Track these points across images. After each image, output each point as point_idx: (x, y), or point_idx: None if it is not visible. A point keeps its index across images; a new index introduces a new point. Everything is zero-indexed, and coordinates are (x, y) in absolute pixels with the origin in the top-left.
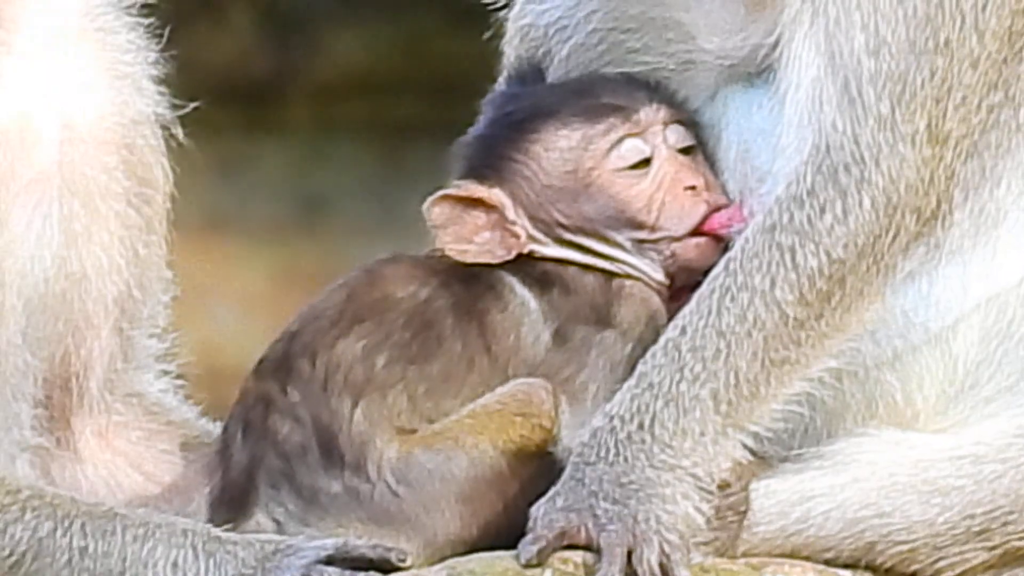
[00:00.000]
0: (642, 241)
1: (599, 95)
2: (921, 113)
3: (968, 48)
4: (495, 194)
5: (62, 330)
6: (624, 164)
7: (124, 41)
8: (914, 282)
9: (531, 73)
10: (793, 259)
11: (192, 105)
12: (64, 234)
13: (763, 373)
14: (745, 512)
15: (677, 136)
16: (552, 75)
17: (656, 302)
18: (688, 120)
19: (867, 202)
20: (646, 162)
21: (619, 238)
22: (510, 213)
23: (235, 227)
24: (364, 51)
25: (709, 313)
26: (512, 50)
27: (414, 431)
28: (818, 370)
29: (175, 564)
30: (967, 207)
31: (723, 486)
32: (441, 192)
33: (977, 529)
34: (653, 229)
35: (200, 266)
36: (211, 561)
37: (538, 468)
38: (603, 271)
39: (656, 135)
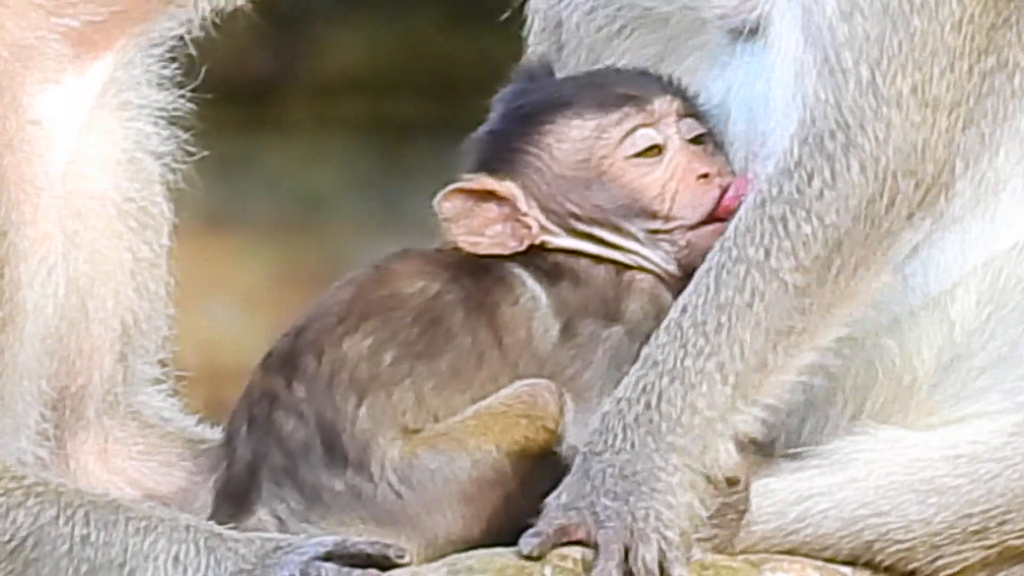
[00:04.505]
0: (655, 231)
1: (612, 86)
2: (903, 76)
3: (948, 9)
4: (507, 186)
5: (67, 359)
6: (636, 151)
7: (145, 112)
8: (915, 248)
9: (540, 69)
10: (785, 228)
11: (193, 122)
12: (68, 286)
13: (768, 343)
14: (745, 511)
15: (689, 127)
16: (565, 47)
17: (666, 298)
18: (699, 115)
19: (855, 166)
20: (659, 152)
21: (632, 228)
22: (522, 205)
23: (235, 226)
24: (363, 50)
25: (707, 290)
26: (535, 24)
27: (419, 430)
28: (828, 340)
29: (176, 558)
30: (967, 176)
31: (733, 482)
32: (453, 185)
33: (974, 528)
34: (667, 218)
35: (200, 265)
36: (212, 557)
37: (542, 468)
38: (615, 263)
39: (669, 126)
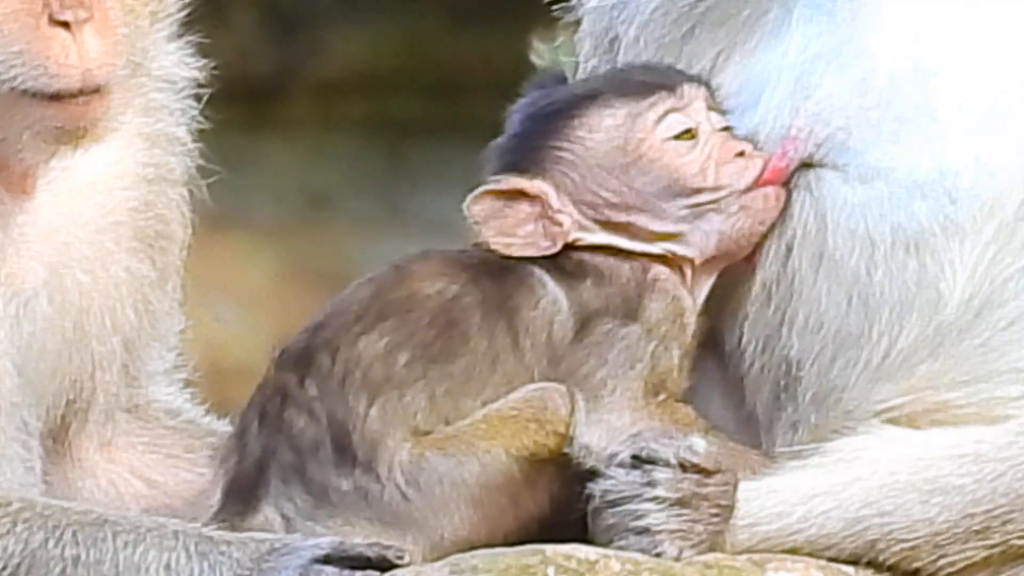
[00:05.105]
0: (700, 204)
1: (637, 76)
2: None
3: None
4: (537, 184)
5: (69, 377)
6: (672, 134)
7: (159, 141)
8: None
9: (553, 79)
10: None
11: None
12: (59, 310)
13: None
14: (728, 507)
15: (716, 119)
16: (623, 54)
17: (687, 302)
18: (722, 111)
19: None
20: (693, 135)
21: (673, 208)
22: (554, 202)
23: (238, 225)
24: (366, 49)
25: None
26: (586, 36)
27: (429, 432)
28: None
29: (168, 567)
30: None
31: (703, 471)
32: (482, 188)
33: (977, 528)
34: (714, 189)
35: (203, 264)
36: (205, 563)
37: (552, 471)
38: (645, 256)
39: (699, 111)
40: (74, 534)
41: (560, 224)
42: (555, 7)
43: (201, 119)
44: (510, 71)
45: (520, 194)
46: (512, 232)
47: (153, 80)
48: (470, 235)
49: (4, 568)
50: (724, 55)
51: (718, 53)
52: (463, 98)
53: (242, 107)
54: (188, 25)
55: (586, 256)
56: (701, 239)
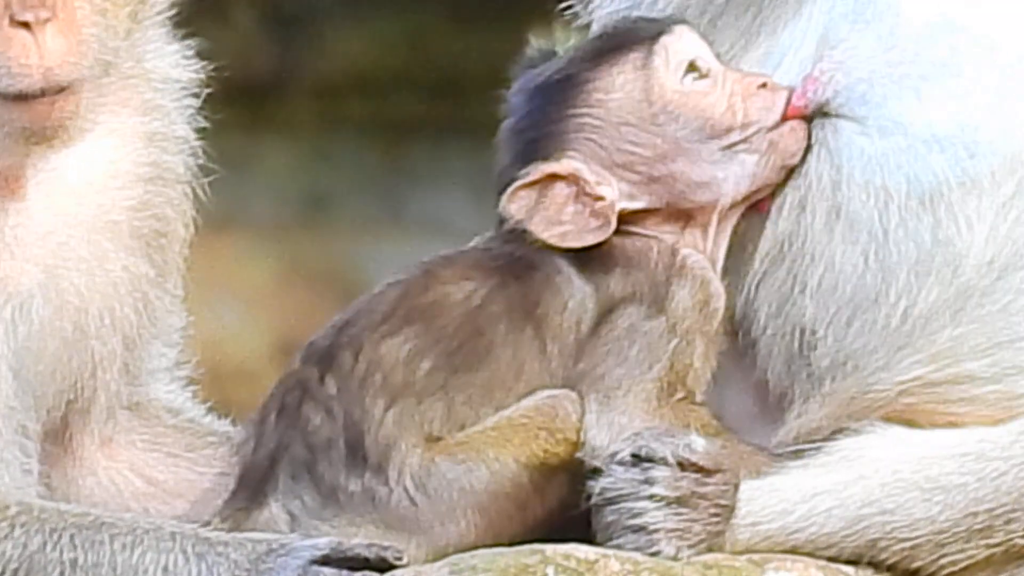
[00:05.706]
0: (732, 145)
1: (627, 30)
2: None
3: None
4: (566, 163)
5: (69, 378)
6: (683, 72)
7: (172, 137)
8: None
9: (542, 56)
10: None
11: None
12: (56, 311)
13: None
14: (728, 508)
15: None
16: None
17: (716, 287)
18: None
19: None
20: (703, 71)
21: (707, 152)
22: (588, 175)
23: (238, 225)
24: (367, 49)
25: None
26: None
27: (442, 438)
28: None
29: (166, 569)
30: None
31: (702, 470)
32: (513, 185)
33: (979, 527)
34: (744, 127)
35: (203, 264)
36: (203, 564)
37: (561, 478)
38: (683, 213)
39: (697, 45)
40: (71, 537)
41: (602, 198)
42: (559, 7)
43: (201, 119)
44: (512, 72)
45: (552, 178)
46: (558, 219)
47: (150, 80)
48: (469, 235)
49: (3, 572)
50: (753, 37)
51: (744, 39)
52: (463, 98)
53: (242, 107)
54: (188, 25)
55: (616, 240)
56: (734, 184)
